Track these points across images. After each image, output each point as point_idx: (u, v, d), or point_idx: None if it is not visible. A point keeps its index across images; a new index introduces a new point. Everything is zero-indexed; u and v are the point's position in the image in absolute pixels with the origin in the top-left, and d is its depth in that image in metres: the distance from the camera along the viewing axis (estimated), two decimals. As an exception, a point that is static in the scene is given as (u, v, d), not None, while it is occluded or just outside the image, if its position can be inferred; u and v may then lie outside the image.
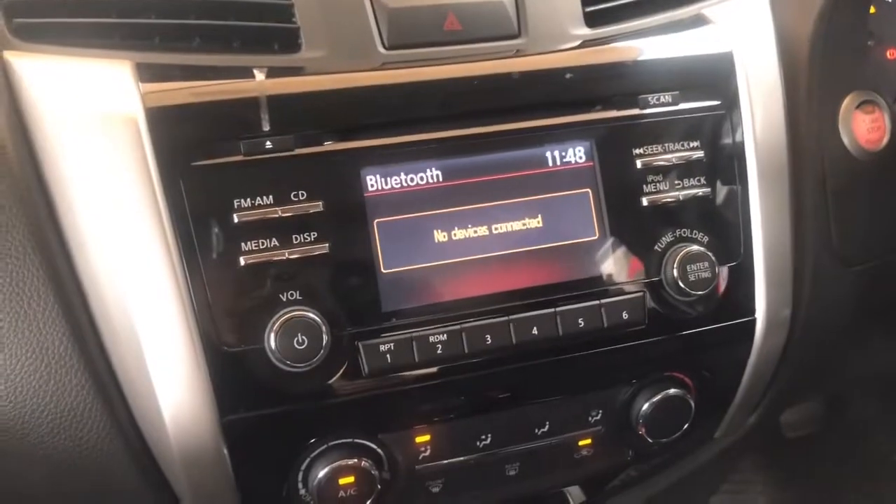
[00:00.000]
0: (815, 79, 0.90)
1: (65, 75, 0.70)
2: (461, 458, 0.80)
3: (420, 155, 0.75)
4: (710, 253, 0.80)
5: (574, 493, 0.98)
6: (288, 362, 0.69)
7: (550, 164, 0.78)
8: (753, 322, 0.85)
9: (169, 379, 0.70)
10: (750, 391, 0.90)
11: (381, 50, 0.76)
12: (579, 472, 0.87)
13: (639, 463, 0.90)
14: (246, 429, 0.72)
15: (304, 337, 0.69)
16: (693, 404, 0.84)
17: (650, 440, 0.85)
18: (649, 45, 0.82)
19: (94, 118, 0.69)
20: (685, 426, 0.85)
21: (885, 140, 0.93)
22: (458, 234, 0.76)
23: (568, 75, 0.79)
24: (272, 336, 0.69)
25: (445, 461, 0.80)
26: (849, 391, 1.41)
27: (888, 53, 1.03)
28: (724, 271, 0.83)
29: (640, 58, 0.82)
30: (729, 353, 0.87)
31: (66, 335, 0.69)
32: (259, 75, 0.72)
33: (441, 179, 0.76)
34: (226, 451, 0.72)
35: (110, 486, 0.74)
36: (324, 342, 0.70)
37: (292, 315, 0.70)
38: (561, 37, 0.81)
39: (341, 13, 0.76)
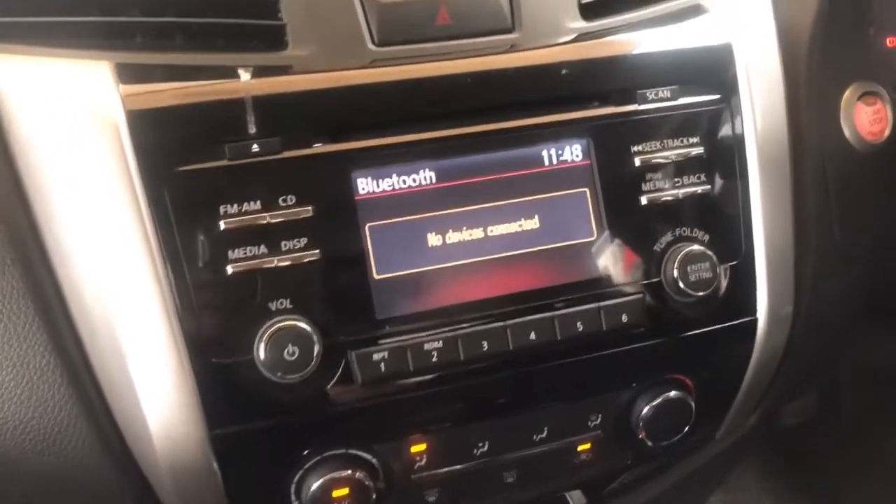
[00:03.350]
0: (816, 70, 0.88)
1: (41, 77, 0.67)
2: (458, 467, 0.79)
3: (412, 156, 0.73)
4: (710, 252, 0.78)
5: (575, 496, 0.96)
6: (278, 374, 0.67)
7: (547, 163, 0.76)
8: (755, 321, 0.84)
9: (155, 392, 0.68)
10: (751, 391, 0.89)
11: (371, 47, 0.73)
12: (579, 477, 0.86)
13: (639, 466, 0.89)
14: (236, 442, 0.70)
15: (294, 347, 0.67)
16: (694, 406, 0.83)
17: (650, 443, 0.83)
18: (646, 37, 0.80)
19: (72, 122, 0.66)
20: (686, 428, 0.84)
21: (888, 132, 0.92)
22: (453, 237, 0.74)
23: (564, 71, 0.77)
24: (261, 347, 0.67)
25: (442, 470, 0.78)
26: (843, 382, 1.41)
27: (888, 41, 1.01)
28: (724, 270, 0.81)
29: (638, 51, 0.80)
30: (730, 353, 0.86)
31: (47, 349, 0.67)
32: (244, 75, 0.70)
33: (434, 181, 0.73)
34: (215, 465, 0.70)
35: (96, 502, 0.73)
36: (315, 352, 0.68)
37: (282, 325, 0.68)
38: (556, 30, 0.78)
39: (329, 9, 0.73)
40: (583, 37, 0.79)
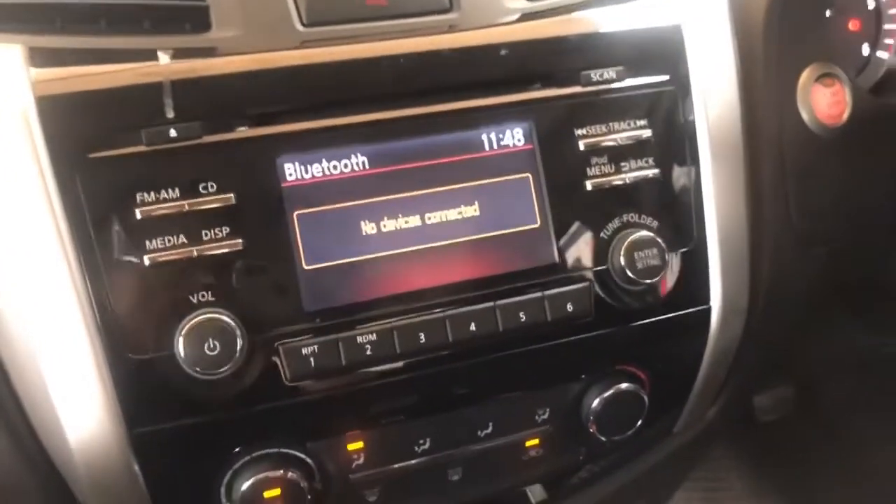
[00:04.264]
0: (772, 51, 0.87)
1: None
2: (398, 465, 0.76)
3: (343, 140, 0.71)
4: (659, 239, 0.76)
5: (535, 491, 0.94)
6: (199, 369, 0.65)
7: (487, 147, 0.74)
8: (709, 310, 0.82)
9: (70, 390, 0.65)
10: (708, 382, 0.87)
11: (299, 27, 0.71)
12: (529, 474, 0.84)
13: (592, 462, 0.87)
14: (158, 442, 0.67)
15: (216, 342, 0.65)
16: (647, 399, 0.81)
17: (603, 438, 0.81)
18: (591, 17, 0.78)
19: None
20: (639, 422, 0.81)
21: (846, 115, 0.90)
22: (388, 225, 0.71)
23: (504, 52, 0.75)
24: (181, 341, 0.65)
25: (381, 468, 0.76)
26: (820, 373, 1.40)
27: (849, 24, 1.01)
28: (675, 258, 0.79)
29: (582, 31, 0.77)
30: (683, 343, 0.84)
31: None
32: (163, 57, 0.67)
33: (367, 167, 0.71)
34: (137, 468, 0.67)
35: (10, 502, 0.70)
36: (238, 346, 0.65)
37: (203, 318, 0.65)
38: (496, 10, 0.76)
39: None
40: (525, 17, 0.77)
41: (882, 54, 1.01)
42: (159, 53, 0.67)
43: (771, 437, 1.52)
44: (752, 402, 1.46)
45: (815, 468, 1.47)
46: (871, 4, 1.01)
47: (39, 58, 0.65)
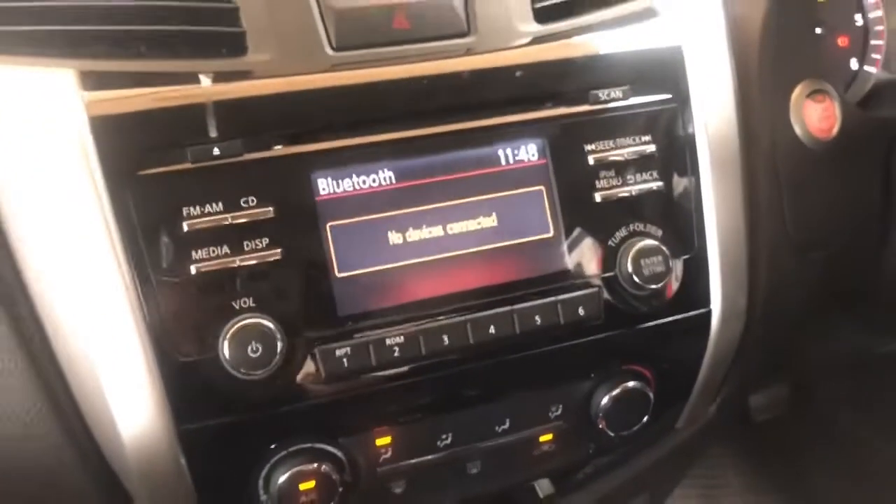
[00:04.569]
0: (767, 68, 0.90)
1: (4, 83, 0.68)
2: (422, 459, 0.80)
3: (371, 157, 0.74)
4: (663, 247, 0.80)
5: (542, 485, 0.98)
6: (242, 370, 0.69)
7: (503, 162, 0.78)
8: (709, 313, 0.86)
9: (123, 391, 0.69)
10: (709, 381, 0.90)
11: (329, 52, 0.75)
12: (542, 467, 0.88)
13: (601, 456, 0.91)
14: (203, 437, 0.71)
15: (258, 344, 0.69)
16: (652, 396, 0.85)
17: (611, 433, 0.85)
18: (599, 40, 0.82)
19: (36, 128, 0.68)
20: (645, 418, 0.85)
21: (836, 129, 0.93)
22: (413, 235, 0.75)
23: (518, 73, 0.79)
24: (226, 344, 0.69)
25: (407, 462, 0.80)
26: (815, 373, 1.42)
27: (838, 41, 1.05)
28: (678, 264, 0.83)
29: (590, 53, 0.82)
30: (686, 344, 0.87)
31: (16, 349, 0.68)
32: (205, 80, 0.71)
33: (394, 181, 0.75)
34: (184, 461, 0.71)
35: (64, 494, 0.74)
36: (278, 349, 0.69)
37: (245, 322, 0.69)
38: (510, 34, 0.80)
39: (287, 15, 0.75)
40: (537, 40, 0.81)
41: (869, 69, 1.05)
42: (201, 76, 0.71)
43: (768, 435, 1.53)
44: (749, 402, 1.50)
45: (811, 466, 1.49)
46: (858, 21, 1.05)
47: (89, 81, 0.68)
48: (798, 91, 0.93)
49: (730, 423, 1.24)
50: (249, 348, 0.68)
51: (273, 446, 0.74)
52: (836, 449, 1.45)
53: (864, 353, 1.32)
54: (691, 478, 1.60)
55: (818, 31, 1.02)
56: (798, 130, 0.92)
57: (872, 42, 1.05)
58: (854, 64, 1.05)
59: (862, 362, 1.36)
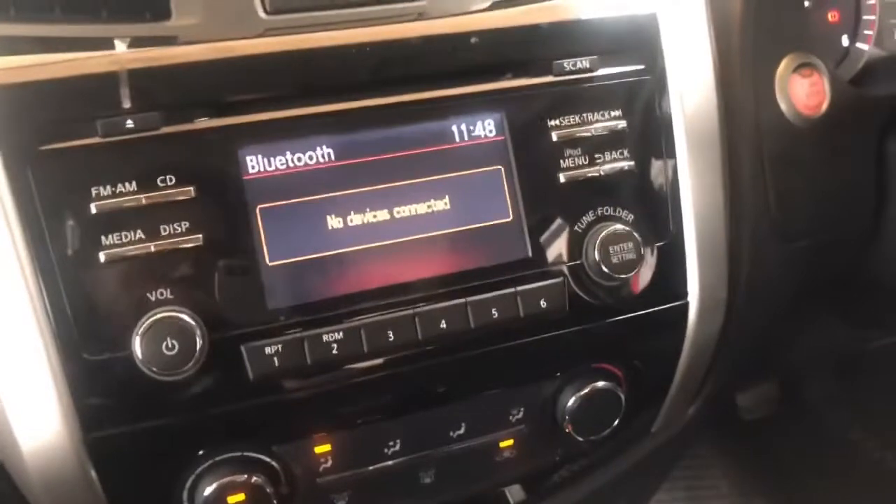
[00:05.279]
0: (750, 40, 0.86)
1: None
2: (368, 468, 0.75)
3: (308, 131, 0.69)
4: (635, 232, 0.74)
5: (514, 491, 0.93)
6: (157, 370, 0.63)
7: (457, 138, 0.72)
8: (686, 306, 0.81)
9: (21, 394, 0.63)
10: (687, 380, 0.85)
11: (262, 15, 0.69)
12: (503, 475, 0.82)
13: (568, 463, 0.85)
14: (115, 446, 0.65)
15: (174, 341, 0.62)
16: (623, 397, 0.79)
17: (579, 438, 0.79)
18: (564, 5, 0.77)
19: None
20: (616, 421, 0.80)
21: (825, 105, 0.89)
22: (355, 219, 0.69)
23: (474, 40, 0.73)
24: (138, 341, 0.62)
25: (350, 472, 0.74)
26: (802, 372, 1.40)
27: (829, 16, 1.00)
28: (651, 252, 0.78)
29: (555, 20, 0.76)
30: (661, 340, 0.82)
31: None
32: (120, 46, 0.65)
33: (333, 158, 0.69)
34: (93, 473, 0.65)
35: None
36: (198, 346, 0.63)
37: (161, 316, 0.63)
38: None
39: None
40: (496, 5, 0.75)
41: (861, 45, 1.00)
42: (116, 42, 0.65)
43: (755, 436, 1.53)
44: (736, 402, 1.48)
45: (799, 468, 1.48)
46: (849, -6, 1.01)
47: None
48: (784, 65, 0.88)
49: (713, 425, 1.20)
50: (165, 345, 0.62)
51: (198, 455, 0.69)
52: (824, 450, 1.44)
53: (851, 348, 1.30)
54: (676, 479, 1.60)
55: (807, 4, 0.98)
56: (784, 107, 0.87)
57: (864, 17, 1.01)
58: (845, 40, 1.01)
59: (850, 362, 1.34)
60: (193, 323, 0.63)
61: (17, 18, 0.66)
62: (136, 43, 0.66)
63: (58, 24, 0.66)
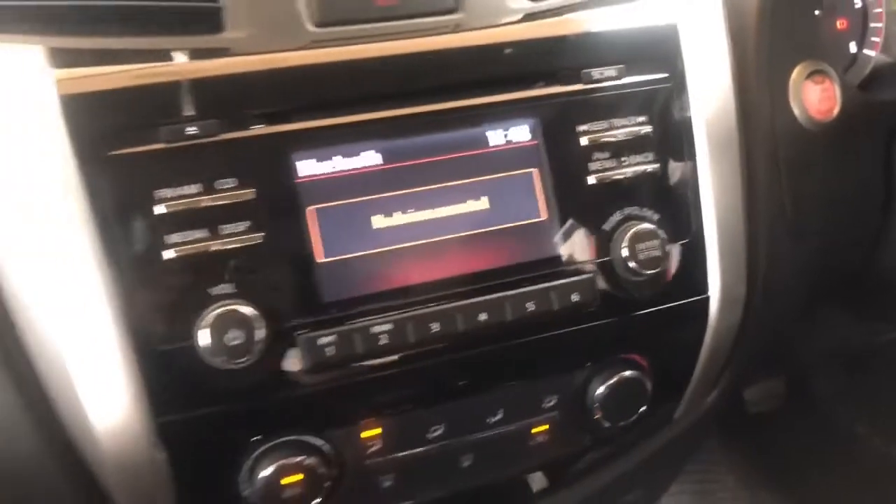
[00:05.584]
0: (765, 49, 0.89)
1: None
2: (412, 452, 0.78)
3: (355, 137, 0.72)
4: (659, 230, 0.78)
5: (536, 479, 0.96)
6: (221, 359, 0.66)
7: (493, 143, 0.76)
8: (707, 300, 0.84)
9: (97, 382, 0.67)
10: (708, 370, 0.89)
11: (310, 28, 0.73)
12: (536, 460, 0.86)
13: (597, 449, 0.89)
14: (182, 430, 0.69)
15: (236, 332, 0.66)
16: (649, 386, 0.83)
17: (607, 424, 0.83)
18: (592, 17, 0.80)
19: (4, 107, 0.65)
20: (642, 408, 0.84)
21: (836, 110, 0.92)
22: (400, 219, 0.73)
23: (508, 51, 0.77)
24: (202, 332, 0.66)
25: (396, 455, 0.78)
26: (810, 367, 1.42)
27: (837, 24, 1.04)
28: (675, 249, 0.81)
29: (583, 31, 0.80)
30: (684, 332, 0.86)
31: None
32: (179, 57, 0.69)
33: (379, 162, 0.73)
34: (162, 455, 0.69)
35: (43, 500, 0.71)
36: (257, 337, 0.67)
37: (223, 309, 0.67)
38: (500, 11, 0.78)
39: None
40: (528, 17, 0.79)
41: (868, 52, 1.04)
42: (175, 54, 0.69)
43: (762, 430, 1.53)
44: (743, 396, 1.49)
45: (806, 462, 1.49)
46: (857, 4, 1.04)
47: (59, 58, 0.66)
48: (797, 72, 0.91)
49: (728, 415, 1.22)
50: (228, 336, 0.66)
51: (255, 439, 0.72)
52: (831, 445, 1.44)
53: (859, 343, 1.31)
54: (685, 473, 1.59)
55: (817, 13, 1.00)
56: (797, 112, 0.90)
57: (871, 25, 1.05)
58: (853, 47, 1.05)
59: (858, 356, 1.35)
60: (253, 315, 0.67)
61: (80, 32, 0.69)
62: (192, 55, 0.69)
63: (119, 38, 0.69)
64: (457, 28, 0.76)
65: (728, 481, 1.62)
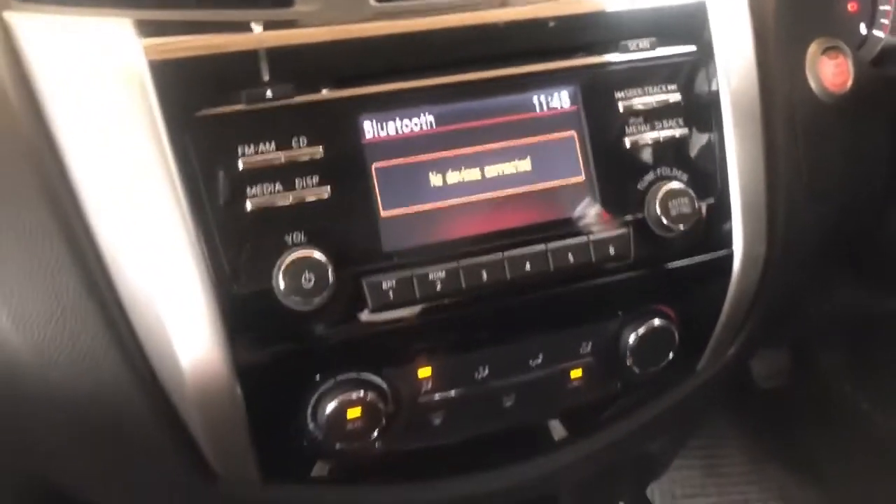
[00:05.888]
0: (783, 26, 0.94)
1: (67, 33, 0.72)
2: (460, 391, 0.84)
3: (413, 102, 0.78)
4: (689, 189, 0.84)
5: (557, 428, 1.00)
6: (296, 300, 0.72)
7: (537, 108, 0.82)
8: (731, 255, 0.89)
9: (182, 323, 0.72)
10: (729, 322, 0.94)
11: (372, 2, 0.79)
12: (571, 402, 0.91)
13: (627, 394, 0.94)
14: (258, 368, 0.74)
15: (311, 275, 0.72)
16: (677, 335, 0.88)
17: (637, 370, 0.88)
18: None
19: (99, 73, 0.71)
20: (670, 355, 0.89)
21: (849, 83, 0.97)
22: (452, 177, 0.79)
23: (552, 24, 0.82)
24: (280, 276, 0.72)
25: (446, 394, 0.83)
26: (816, 341, 1.46)
27: (848, 6, 1.09)
28: (702, 207, 0.86)
29: (619, 6, 0.85)
30: (709, 286, 0.91)
31: (78, 283, 0.72)
32: (256, 28, 0.75)
33: (434, 125, 0.78)
34: (239, 391, 0.75)
35: (128, 429, 0.77)
36: (330, 280, 0.73)
37: (299, 255, 0.72)
38: None
39: None
40: None
41: (878, 33, 1.08)
42: (253, 24, 0.75)
43: (769, 406, 1.57)
44: (752, 371, 1.53)
45: (812, 437, 1.52)
46: (867, -14, 1.08)
47: (145, 29, 0.72)
48: (813, 48, 0.96)
49: (733, 388, 1.24)
50: (303, 278, 0.72)
51: (320, 376, 0.78)
52: (837, 420, 1.47)
53: (865, 316, 1.34)
54: (693, 448, 1.64)
55: None
56: (813, 85, 0.95)
57: (881, 7, 1.09)
58: (864, 28, 1.09)
59: (864, 331, 1.38)
60: (325, 260, 0.73)
61: (167, 5, 0.75)
62: (267, 26, 0.75)
63: (199, 10, 0.76)
64: (503, 3, 0.82)
65: (735, 456, 1.66)
